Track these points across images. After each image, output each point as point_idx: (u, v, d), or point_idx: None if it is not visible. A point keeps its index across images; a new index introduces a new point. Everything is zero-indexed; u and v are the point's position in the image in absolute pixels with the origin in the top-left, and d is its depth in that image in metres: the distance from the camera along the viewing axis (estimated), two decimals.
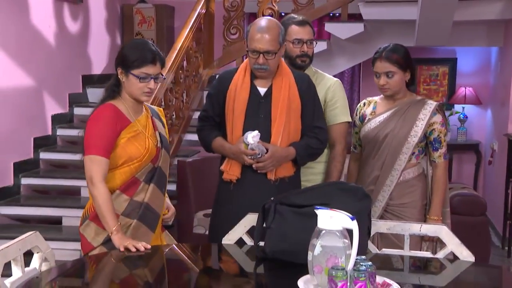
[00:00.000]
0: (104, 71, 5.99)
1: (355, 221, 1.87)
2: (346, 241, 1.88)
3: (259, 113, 2.77)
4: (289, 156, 2.77)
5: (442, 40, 5.21)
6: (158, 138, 2.56)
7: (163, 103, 4.48)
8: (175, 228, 4.60)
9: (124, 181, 2.46)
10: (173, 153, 4.61)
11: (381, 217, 2.95)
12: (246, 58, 2.88)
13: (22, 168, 4.61)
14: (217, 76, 3.33)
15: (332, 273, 1.81)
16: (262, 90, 2.79)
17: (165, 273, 2.24)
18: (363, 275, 1.81)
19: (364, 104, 3.13)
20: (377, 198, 2.97)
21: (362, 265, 1.85)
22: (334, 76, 3.45)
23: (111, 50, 6.18)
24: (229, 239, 2.38)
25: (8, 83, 4.48)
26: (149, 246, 2.30)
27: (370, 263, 1.85)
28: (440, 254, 2.29)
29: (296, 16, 3.18)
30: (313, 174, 3.09)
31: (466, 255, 2.23)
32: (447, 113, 6.24)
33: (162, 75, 2.52)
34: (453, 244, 2.26)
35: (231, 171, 2.78)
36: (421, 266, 2.31)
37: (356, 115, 3.14)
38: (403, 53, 2.94)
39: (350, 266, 1.85)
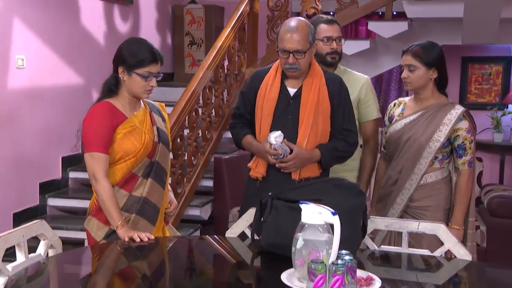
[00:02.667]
0: None
1: (336, 216, 1.90)
2: (329, 235, 1.92)
3: (287, 114, 2.79)
4: (313, 158, 2.77)
5: (489, 37, 5.06)
6: (156, 133, 2.61)
7: (201, 101, 4.60)
8: (212, 223, 4.73)
9: (122, 176, 2.52)
10: (211, 150, 4.72)
11: (400, 217, 2.90)
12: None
13: (70, 162, 4.84)
14: None
15: (312, 266, 1.84)
16: (292, 91, 2.81)
17: (163, 263, 2.32)
18: (341, 268, 1.84)
19: (395, 104, 3.10)
20: (395, 201, 2.94)
21: (343, 259, 1.88)
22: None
23: (161, 49, 6.33)
24: (232, 233, 2.45)
25: (58, 81, 4.72)
26: (152, 237, 2.38)
27: (351, 257, 1.87)
28: (438, 253, 2.28)
29: (324, 16, 3.27)
30: (346, 171, 3.12)
31: (463, 254, 2.21)
32: (499, 113, 6.06)
33: (160, 73, 2.58)
34: (451, 243, 2.24)
35: (257, 169, 2.82)
36: (419, 264, 2.30)
37: (386, 115, 3.11)
38: (431, 50, 2.90)
39: (331, 259, 1.88)
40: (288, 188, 2.34)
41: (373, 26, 5.42)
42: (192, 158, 4.44)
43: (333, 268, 1.83)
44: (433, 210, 2.91)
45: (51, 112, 4.65)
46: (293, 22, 2.76)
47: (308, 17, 5.50)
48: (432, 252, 2.30)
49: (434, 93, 2.94)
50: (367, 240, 2.36)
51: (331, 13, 5.58)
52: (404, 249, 2.32)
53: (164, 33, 6.50)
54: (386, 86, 6.41)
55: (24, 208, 4.43)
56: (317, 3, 5.45)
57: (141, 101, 2.65)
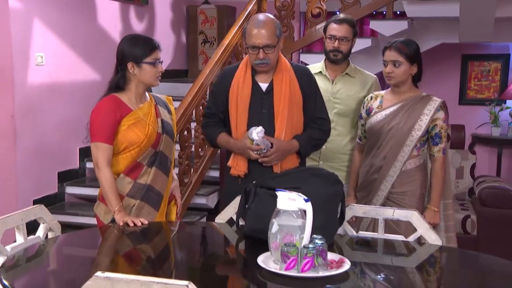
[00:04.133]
0: (169, 66, 6.30)
1: (309, 203, 1.98)
2: (303, 221, 1.99)
3: (262, 109, 2.78)
4: (293, 149, 2.79)
5: (485, 36, 5.08)
6: (160, 124, 2.72)
7: (207, 97, 4.67)
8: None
9: (127, 165, 2.64)
10: None
11: (383, 205, 3.01)
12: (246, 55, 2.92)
13: (87, 153, 4.96)
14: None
15: (285, 249, 1.94)
16: (264, 86, 2.81)
17: (149, 244, 2.43)
18: (311, 251, 1.92)
19: (371, 98, 3.19)
20: (379, 188, 3.03)
21: (314, 243, 1.95)
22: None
23: (176, 47, 6.48)
24: (221, 219, 2.54)
25: (75, 77, 4.85)
26: (146, 222, 2.49)
27: (322, 242, 1.95)
28: (411, 238, 2.34)
29: (340, 16, 3.36)
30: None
31: (434, 239, 2.28)
32: (497, 108, 6.06)
33: (161, 60, 2.69)
34: (423, 229, 2.31)
35: (238, 167, 2.81)
36: (394, 248, 2.37)
37: (363, 108, 3.19)
38: (412, 46, 3.00)
39: (303, 243, 1.96)
40: (270, 177, 2.43)
41: (374, 25, 5.45)
42: (199, 149, 4.53)
43: (304, 251, 1.92)
44: (410, 195, 3.02)
45: (69, 106, 4.78)
46: (260, 18, 2.75)
47: (312, 16, 5.56)
48: (406, 238, 2.36)
49: (411, 87, 3.06)
50: (346, 226, 2.43)
51: (337, 12, 5.60)
52: (380, 234, 2.38)
53: (178, 32, 6.60)
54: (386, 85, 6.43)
55: (43, 195, 4.57)
56: (322, 3, 5.49)
57: (147, 95, 2.76)
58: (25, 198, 4.39)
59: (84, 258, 2.26)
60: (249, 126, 2.74)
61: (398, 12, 6.02)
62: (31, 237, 2.23)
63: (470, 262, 2.27)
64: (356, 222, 2.93)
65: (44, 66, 4.50)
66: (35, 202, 4.48)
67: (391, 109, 3.04)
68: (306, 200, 1.98)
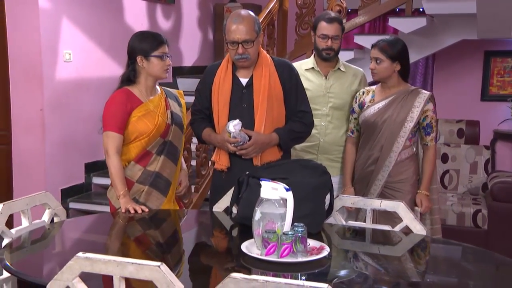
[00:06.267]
0: (196, 63, 6.42)
1: (290, 192, 2.04)
2: (285, 209, 2.06)
3: (242, 103, 2.79)
4: (272, 142, 2.77)
5: (504, 32, 5.00)
6: (169, 116, 2.84)
7: None
8: None
9: (138, 153, 2.78)
10: None
11: (381, 193, 3.10)
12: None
13: None
14: None
15: (265, 235, 2.01)
16: (244, 81, 2.82)
17: (150, 230, 2.55)
18: (290, 238, 1.99)
19: (363, 92, 3.27)
20: (377, 177, 3.12)
21: (295, 230, 2.02)
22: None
23: (203, 45, 6.60)
24: (218, 207, 2.63)
25: (102, 73, 5.01)
26: (146, 210, 2.60)
27: (302, 229, 2.01)
28: (397, 228, 2.38)
29: (329, 13, 3.36)
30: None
31: (419, 229, 2.32)
32: None
33: (169, 54, 2.81)
34: (408, 219, 2.34)
35: (220, 161, 2.84)
36: (381, 237, 2.41)
37: (356, 102, 3.27)
38: (396, 45, 3.09)
39: (284, 230, 2.02)
40: (261, 168, 2.49)
41: (393, 22, 5.43)
42: None
43: (284, 237, 1.98)
44: (404, 183, 3.13)
45: (96, 101, 4.93)
46: (238, 14, 2.75)
47: None
48: (392, 228, 2.40)
49: (400, 82, 3.16)
50: (336, 216, 2.48)
51: (349, 10, 5.61)
52: (368, 224, 2.43)
53: (205, 29, 6.72)
54: (412, 80, 6.39)
55: (71, 185, 4.74)
56: (342, 1, 5.50)
57: (158, 88, 2.89)
58: (54, 188, 4.57)
59: (86, 242, 2.38)
60: (230, 120, 2.75)
61: (421, 9, 5.97)
62: (36, 221, 2.34)
63: (452, 251, 2.31)
64: (354, 211, 3.00)
65: (72, 62, 4.67)
66: (63, 191, 4.67)
67: (383, 102, 3.14)
68: (287, 190, 2.04)
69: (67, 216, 2.66)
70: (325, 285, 1.36)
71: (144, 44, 2.76)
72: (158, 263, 1.51)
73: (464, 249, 2.22)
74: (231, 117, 2.77)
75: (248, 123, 2.76)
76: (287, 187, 2.04)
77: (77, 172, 4.84)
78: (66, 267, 1.57)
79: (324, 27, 3.27)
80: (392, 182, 3.11)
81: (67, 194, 4.71)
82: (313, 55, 3.42)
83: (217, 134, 2.82)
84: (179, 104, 2.96)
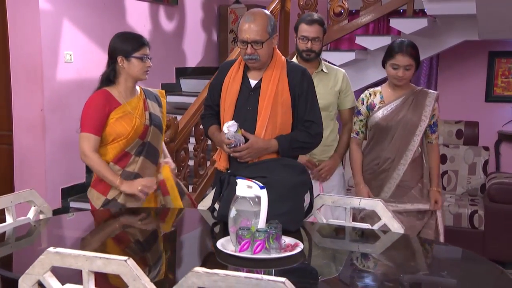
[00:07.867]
0: (199, 64, 6.47)
1: (264, 190, 2.06)
2: (258, 207, 2.08)
3: (247, 105, 2.70)
4: (270, 149, 2.63)
5: (505, 33, 4.98)
6: (147, 117, 2.85)
7: None
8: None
9: (116, 154, 2.79)
10: None
11: (394, 192, 3.14)
12: None
13: None
14: None
15: (239, 232, 2.03)
16: (253, 82, 2.72)
17: (132, 228, 2.57)
18: (262, 235, 2.01)
19: (370, 94, 3.25)
20: (392, 176, 3.15)
21: (270, 227, 2.04)
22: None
23: (207, 46, 6.64)
24: (203, 206, 2.66)
25: None
26: (155, 185, 2.75)
27: (276, 227, 2.04)
28: (376, 226, 2.39)
29: (311, 14, 3.40)
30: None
31: (396, 227, 2.32)
32: None
33: (149, 56, 2.84)
34: (386, 218, 2.35)
35: (220, 162, 2.79)
36: (360, 236, 2.43)
37: (363, 104, 3.25)
38: (416, 48, 3.10)
39: (258, 227, 2.05)
40: (242, 166, 2.51)
41: (394, 23, 5.43)
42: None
43: (256, 234, 2.01)
44: (413, 180, 3.18)
45: None
46: (252, 12, 2.66)
47: (335, 15, 5.60)
48: (371, 226, 2.41)
49: (408, 82, 3.20)
50: (317, 214, 2.50)
51: (353, 11, 5.61)
52: (347, 223, 2.44)
53: (210, 30, 6.76)
54: (416, 80, 6.38)
55: (71, 184, 4.80)
56: (344, 2, 5.52)
57: (138, 89, 2.89)
58: (54, 187, 4.64)
59: (71, 239, 2.42)
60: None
61: (425, 10, 5.95)
62: (21, 218, 2.38)
63: (428, 249, 2.33)
64: (357, 210, 3.03)
65: (72, 63, 4.74)
66: (63, 190, 4.73)
67: (395, 103, 3.15)
68: (261, 187, 2.06)
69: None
70: (283, 279, 1.38)
71: (126, 44, 2.78)
72: (125, 258, 1.54)
73: (442, 248, 2.22)
74: (235, 118, 2.67)
75: (250, 127, 2.66)
76: (262, 185, 2.06)
77: (78, 172, 4.90)
78: (37, 261, 1.61)
79: (305, 29, 3.29)
80: (402, 181, 3.14)
81: (68, 193, 4.77)
82: (295, 56, 3.45)
83: (218, 134, 2.74)
84: (159, 105, 2.95)
